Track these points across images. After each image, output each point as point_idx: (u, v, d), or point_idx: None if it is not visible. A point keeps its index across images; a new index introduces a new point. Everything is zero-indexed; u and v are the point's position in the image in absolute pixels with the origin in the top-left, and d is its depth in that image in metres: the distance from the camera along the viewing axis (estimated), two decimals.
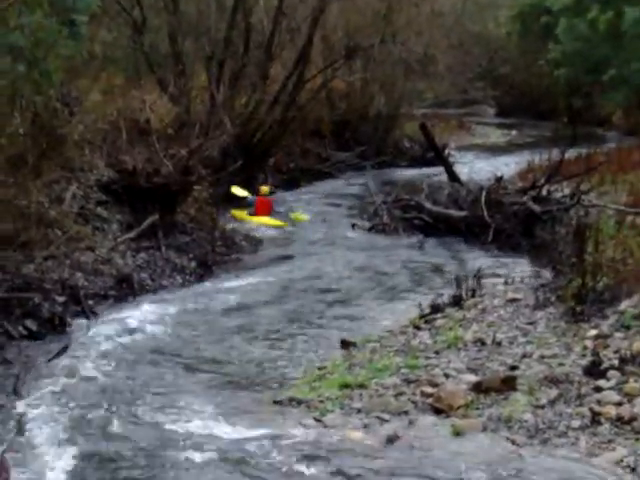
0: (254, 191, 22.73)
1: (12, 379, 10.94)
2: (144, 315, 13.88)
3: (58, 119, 16.88)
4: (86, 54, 19.30)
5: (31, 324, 12.77)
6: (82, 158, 17.84)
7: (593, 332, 11.19)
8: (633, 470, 8.05)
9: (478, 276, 14.90)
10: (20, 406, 10.12)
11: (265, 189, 22.96)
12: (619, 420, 8.82)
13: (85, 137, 18.08)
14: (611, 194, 20.01)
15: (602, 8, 33.00)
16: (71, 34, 16.98)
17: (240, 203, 22.44)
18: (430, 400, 9.88)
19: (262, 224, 21.65)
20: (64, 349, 12.11)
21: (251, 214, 22.13)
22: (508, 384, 9.92)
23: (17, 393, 10.53)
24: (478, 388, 9.96)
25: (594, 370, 9.95)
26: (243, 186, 22.91)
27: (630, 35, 31.10)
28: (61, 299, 13.57)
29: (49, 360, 11.72)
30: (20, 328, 12.61)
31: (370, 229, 21.06)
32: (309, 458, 8.60)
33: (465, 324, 12.69)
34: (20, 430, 9.38)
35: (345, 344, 12.35)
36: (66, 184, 16.81)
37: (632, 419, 8.82)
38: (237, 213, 22.11)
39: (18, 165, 14.61)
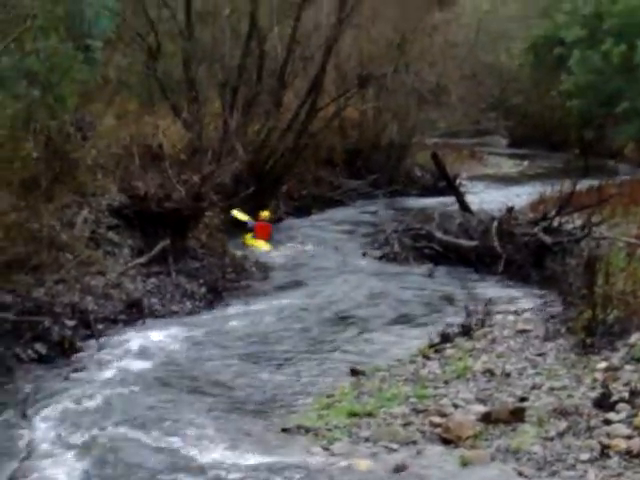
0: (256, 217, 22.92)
1: (21, 402, 10.94)
2: (153, 340, 13.86)
3: (71, 144, 16.99)
4: (100, 79, 19.43)
5: (41, 347, 12.78)
6: (94, 183, 17.90)
7: (603, 364, 11.17)
8: None
9: (488, 306, 14.91)
10: (29, 429, 10.11)
11: (265, 214, 23.14)
12: (628, 453, 8.76)
13: (98, 162, 18.17)
14: (622, 226, 19.97)
15: (615, 41, 33.06)
16: (86, 59, 17.12)
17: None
18: (438, 430, 9.85)
19: (258, 247, 22.00)
20: (73, 373, 12.10)
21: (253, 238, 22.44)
22: (517, 415, 9.89)
23: (26, 416, 10.53)
24: (487, 419, 9.93)
25: (604, 403, 9.91)
26: (254, 213, 23.04)
27: None
28: (71, 323, 13.58)
29: (58, 383, 11.71)
30: (30, 351, 12.62)
31: (381, 257, 21.04)
32: None
33: (474, 354, 12.67)
34: (29, 453, 9.37)
35: (354, 372, 12.33)
36: (78, 208, 16.85)
37: None
38: (248, 240, 22.39)
39: (31, 189, 14.68)
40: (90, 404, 10.94)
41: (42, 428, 10.15)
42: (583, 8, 36.92)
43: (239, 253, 19.68)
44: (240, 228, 22.45)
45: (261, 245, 22.34)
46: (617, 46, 32.72)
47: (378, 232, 23.46)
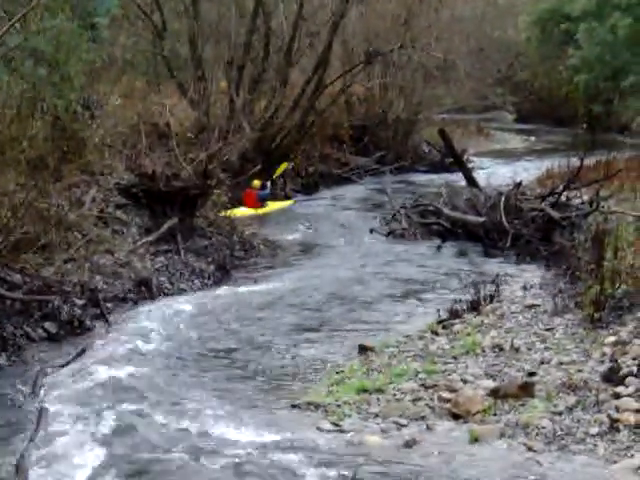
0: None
1: (31, 381, 10.99)
2: (162, 318, 13.90)
3: (79, 123, 16.99)
4: (107, 58, 19.41)
5: (50, 326, 12.83)
6: (102, 162, 17.95)
7: (612, 339, 11.18)
8: None
9: (496, 282, 14.92)
10: (38, 407, 10.16)
11: (257, 183, 23.86)
12: (638, 427, 8.78)
13: (105, 141, 18.19)
14: (630, 201, 19.94)
15: (622, 14, 32.89)
16: (92, 38, 17.08)
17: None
18: (448, 405, 9.88)
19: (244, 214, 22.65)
20: (82, 351, 12.15)
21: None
22: (526, 390, 9.91)
23: (35, 395, 10.58)
24: (496, 394, 9.95)
25: (612, 377, 9.93)
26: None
27: None
28: (80, 302, 13.62)
29: (68, 362, 11.77)
30: (39, 330, 12.67)
31: (388, 234, 21.04)
32: (326, 463, 8.57)
33: (483, 330, 12.69)
34: (39, 432, 9.41)
35: (363, 349, 12.33)
36: (86, 187, 16.90)
37: None
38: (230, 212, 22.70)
39: (39, 168, 14.69)
40: (100, 382, 10.95)
41: (52, 407, 10.18)
42: None
43: (248, 231, 19.67)
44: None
45: (284, 204, 24.87)
46: (624, 20, 32.53)
47: (385, 209, 23.44)
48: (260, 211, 23.79)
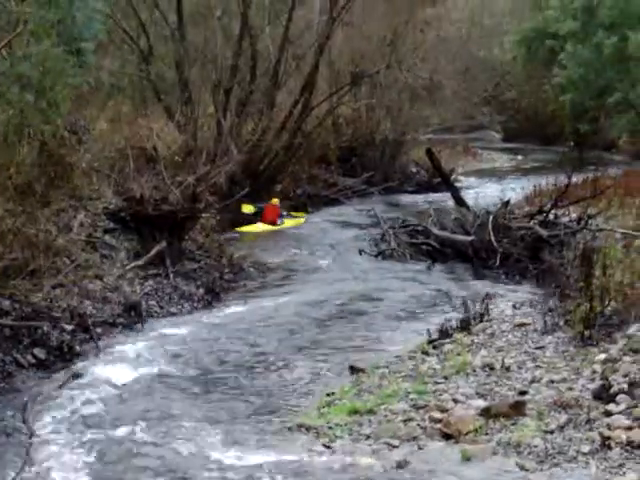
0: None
1: (21, 408, 10.94)
2: (152, 343, 13.88)
3: (66, 148, 16.96)
4: (93, 83, 19.42)
5: (40, 352, 12.79)
6: (90, 186, 17.93)
7: (602, 356, 11.18)
8: None
9: (486, 301, 14.92)
10: (28, 434, 10.11)
11: (275, 200, 25.23)
12: (629, 444, 8.77)
13: (93, 165, 18.17)
14: (618, 218, 19.96)
15: (607, 33, 33.05)
16: (78, 63, 17.08)
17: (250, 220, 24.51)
18: (439, 425, 9.86)
19: (265, 230, 24.33)
20: (72, 377, 12.10)
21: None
22: (517, 409, 9.90)
23: (26, 421, 10.53)
24: (487, 413, 9.94)
25: (603, 394, 9.93)
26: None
27: (635, 59, 31.15)
28: (69, 327, 13.59)
29: (57, 388, 11.72)
30: (29, 357, 12.62)
31: (378, 254, 21.05)
32: None
33: (473, 349, 12.70)
34: (30, 458, 9.37)
35: (354, 370, 12.34)
36: (74, 212, 16.87)
37: None
38: (243, 228, 24.21)
39: (26, 194, 14.66)
40: (90, 407, 10.96)
41: (42, 433, 10.15)
42: (575, 1, 36.88)
43: (237, 253, 19.65)
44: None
45: (296, 221, 25.65)
46: (608, 38, 32.67)
47: (375, 229, 23.46)
48: (276, 227, 24.73)
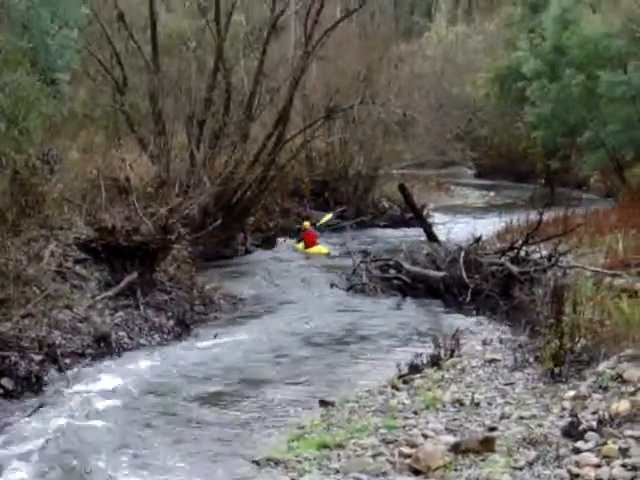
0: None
1: None
2: (121, 374, 13.81)
3: (38, 177, 16.90)
4: (66, 112, 19.38)
5: (7, 383, 12.68)
6: (61, 216, 17.84)
7: (571, 393, 11.20)
8: None
9: (456, 336, 14.92)
10: None
11: (307, 224, 27.46)
12: None
13: (64, 195, 18.11)
14: (589, 256, 20.05)
15: (575, 72, 33.30)
16: (52, 92, 17.05)
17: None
18: (408, 461, 9.81)
19: (314, 253, 26.70)
20: (39, 407, 12.00)
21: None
22: (487, 445, 9.87)
23: None
24: (456, 449, 9.91)
25: (572, 431, 9.92)
26: (224, 246, 23.83)
27: (606, 98, 31.41)
28: (38, 357, 13.48)
29: (24, 418, 11.62)
30: None
31: (349, 289, 21.05)
32: None
33: (443, 384, 12.68)
34: None
35: (324, 404, 12.30)
36: (45, 242, 16.77)
37: None
38: (296, 245, 27.12)
39: None
40: (57, 439, 10.85)
41: (8, 464, 10.04)
42: (542, 42, 37.14)
43: (208, 285, 19.61)
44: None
45: (321, 250, 26.85)
46: (577, 77, 32.88)
47: (347, 263, 23.45)
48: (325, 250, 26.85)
